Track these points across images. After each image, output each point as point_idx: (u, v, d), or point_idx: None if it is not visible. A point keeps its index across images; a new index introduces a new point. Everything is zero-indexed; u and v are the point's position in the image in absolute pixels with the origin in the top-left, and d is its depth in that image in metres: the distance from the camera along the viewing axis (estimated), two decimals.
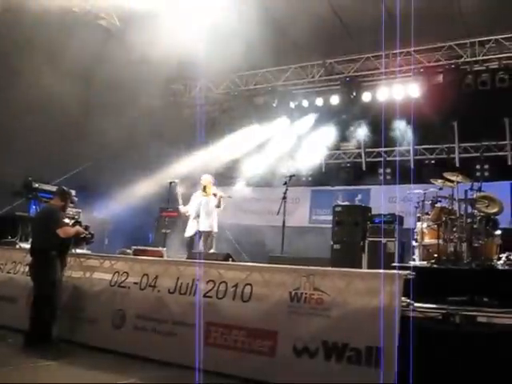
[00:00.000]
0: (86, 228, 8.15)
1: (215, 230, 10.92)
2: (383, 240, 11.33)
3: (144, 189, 13.54)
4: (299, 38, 13.64)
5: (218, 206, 10.81)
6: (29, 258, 7.65)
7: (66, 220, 8.49)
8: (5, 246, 9.93)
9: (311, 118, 15.95)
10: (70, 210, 12.62)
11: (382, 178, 15.56)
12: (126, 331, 7.07)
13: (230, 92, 16.83)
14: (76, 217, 11.73)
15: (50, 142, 12.26)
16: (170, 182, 11.30)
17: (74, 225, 8.04)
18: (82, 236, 7.91)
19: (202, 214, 10.90)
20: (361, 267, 10.63)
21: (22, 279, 8.34)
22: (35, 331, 7.08)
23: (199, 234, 10.91)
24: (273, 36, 13.51)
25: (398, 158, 15.39)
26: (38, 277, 7.37)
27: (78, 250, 9.25)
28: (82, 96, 13.04)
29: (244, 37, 12.67)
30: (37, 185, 12.00)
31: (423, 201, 10.28)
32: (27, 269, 8.01)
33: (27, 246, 9.72)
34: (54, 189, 12.48)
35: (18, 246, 10.20)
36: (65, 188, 8.00)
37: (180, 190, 11.24)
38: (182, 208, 11.29)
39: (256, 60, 15.29)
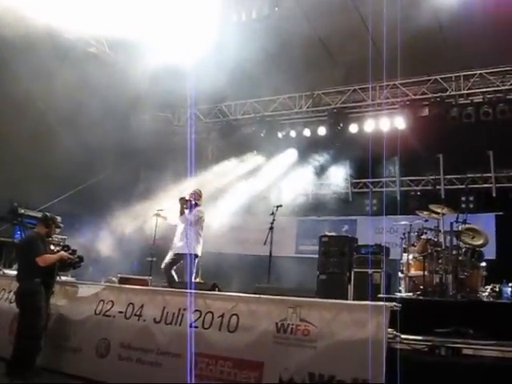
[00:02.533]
0: (73, 252, 7.98)
1: (194, 252, 9.65)
2: (370, 271, 11.34)
3: (130, 217, 13.49)
4: (287, 69, 13.84)
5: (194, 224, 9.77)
6: (15, 285, 7.55)
7: (52, 246, 8.44)
8: None
9: (298, 148, 16.07)
10: (56, 237, 12.58)
11: (368, 208, 15.65)
12: (110, 361, 6.98)
13: (217, 121, 16.95)
14: (61, 243, 11.67)
15: (36, 167, 12.24)
16: (156, 212, 11.01)
17: (62, 250, 7.94)
18: (68, 261, 7.80)
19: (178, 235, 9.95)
20: (347, 298, 10.62)
21: (5, 306, 8.24)
22: (17, 360, 6.96)
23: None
24: (261, 66, 13.71)
25: (384, 189, 15.51)
26: (22, 304, 7.28)
27: (63, 278, 9.18)
28: (69, 121, 13.04)
29: (232, 67, 12.84)
30: (22, 211, 11.93)
31: (409, 232, 10.36)
32: (11, 296, 7.93)
33: (11, 272, 9.64)
34: (40, 215, 12.49)
35: (1, 272, 10.08)
36: (48, 214, 7.92)
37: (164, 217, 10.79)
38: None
39: (244, 90, 15.49)
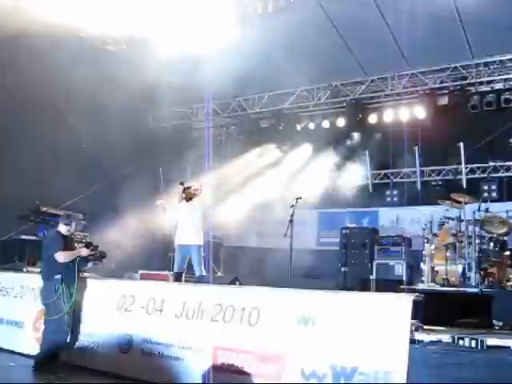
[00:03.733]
0: (95, 248, 8.03)
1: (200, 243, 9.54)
2: (391, 262, 11.28)
3: (150, 213, 13.54)
4: (305, 61, 13.78)
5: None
6: (39, 282, 7.66)
7: (76, 244, 8.52)
8: (12, 270, 9.94)
9: (318, 140, 16.00)
10: (78, 234, 12.70)
11: (389, 199, 15.52)
12: (132, 355, 7.02)
13: (236, 115, 16.94)
14: (83, 240, 11.77)
15: (57, 165, 12.36)
16: (160, 204, 10.85)
17: (84, 247, 8.02)
18: (90, 255, 7.87)
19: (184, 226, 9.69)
20: (369, 290, 10.57)
21: (30, 303, 8.33)
22: (44, 355, 7.10)
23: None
24: (279, 59, 13.67)
25: (405, 180, 15.37)
26: (45, 301, 7.40)
27: (85, 274, 9.27)
28: (89, 119, 13.14)
29: (250, 60, 12.81)
30: (45, 209, 12.06)
31: (431, 222, 10.24)
32: (36, 292, 8.07)
33: (35, 269, 9.77)
34: (62, 213, 12.61)
35: (25, 270, 10.21)
36: (68, 213, 8.14)
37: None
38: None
39: (262, 83, 15.46)
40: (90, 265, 8.01)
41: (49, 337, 7.17)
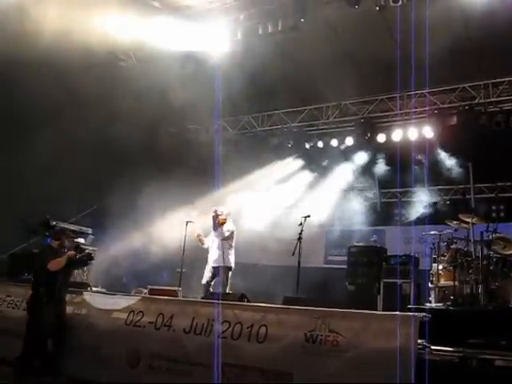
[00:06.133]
0: (82, 251, 8.43)
1: (228, 264, 10.57)
2: (399, 281, 11.26)
3: (161, 228, 13.60)
4: (314, 80, 13.90)
5: (226, 238, 10.61)
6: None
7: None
8: (20, 284, 10.00)
9: (326, 158, 16.10)
10: (87, 248, 12.77)
11: (397, 218, 15.54)
12: (140, 370, 7.07)
13: (245, 132, 17.06)
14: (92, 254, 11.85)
15: (68, 179, 12.47)
16: (187, 222, 11.30)
17: (74, 249, 8.34)
18: (78, 258, 8.18)
19: (213, 249, 10.72)
20: (376, 309, 10.54)
21: (20, 314, 8.55)
22: (22, 361, 7.46)
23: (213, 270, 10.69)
24: (289, 78, 13.80)
25: (413, 199, 15.39)
26: (28, 311, 7.93)
27: (94, 288, 9.36)
28: (98, 134, 13.26)
29: (260, 79, 12.95)
30: (54, 222, 12.15)
31: (439, 242, 10.24)
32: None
33: None
34: (72, 227, 12.71)
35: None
36: (58, 227, 9.27)
37: (197, 230, 11.18)
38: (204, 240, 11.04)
39: (271, 101, 15.60)
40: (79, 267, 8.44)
41: (28, 344, 7.53)
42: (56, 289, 7.80)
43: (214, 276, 10.55)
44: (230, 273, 10.59)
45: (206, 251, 10.83)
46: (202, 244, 10.93)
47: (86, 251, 8.53)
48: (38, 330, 7.61)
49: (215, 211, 10.62)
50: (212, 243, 10.75)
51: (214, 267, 10.57)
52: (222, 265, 10.44)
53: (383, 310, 9.49)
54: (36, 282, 7.96)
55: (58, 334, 7.78)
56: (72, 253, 8.15)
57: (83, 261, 8.48)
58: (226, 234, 10.58)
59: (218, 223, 10.57)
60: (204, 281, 10.57)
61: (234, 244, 10.76)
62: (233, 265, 10.63)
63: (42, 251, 8.42)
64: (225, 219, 10.72)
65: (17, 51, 10.74)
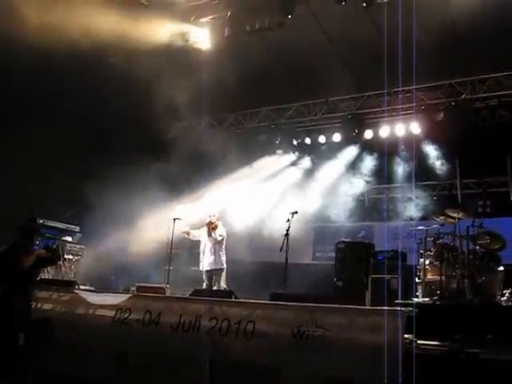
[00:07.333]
0: (50, 251, 8.64)
1: (221, 266, 11.11)
2: (386, 277, 11.30)
3: (148, 226, 13.56)
4: (301, 77, 13.90)
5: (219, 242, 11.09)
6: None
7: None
8: None
9: (314, 154, 16.13)
10: (74, 246, 12.73)
11: (384, 214, 15.58)
12: (128, 368, 7.05)
13: (233, 129, 17.03)
14: (80, 253, 11.77)
15: (55, 177, 12.39)
16: (174, 219, 11.35)
17: (44, 249, 8.56)
18: (44, 258, 8.21)
19: (206, 253, 11.14)
20: (364, 304, 10.53)
21: None
22: None
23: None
24: (276, 74, 13.78)
25: (400, 195, 15.43)
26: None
27: (82, 286, 9.33)
28: (84, 131, 13.20)
29: (248, 76, 12.92)
30: (41, 221, 12.08)
31: (425, 237, 10.29)
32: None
33: None
34: (59, 225, 12.65)
35: None
36: (27, 225, 8.93)
37: (185, 228, 11.32)
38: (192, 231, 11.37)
39: (259, 98, 15.57)
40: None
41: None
42: (24, 285, 7.82)
43: (211, 279, 11.00)
44: (224, 273, 11.07)
45: (194, 249, 11.11)
46: (188, 235, 11.29)
47: (55, 253, 8.73)
48: (7, 325, 7.51)
49: (210, 220, 11.07)
50: (205, 247, 11.18)
51: (209, 271, 11.04)
52: (216, 267, 10.98)
53: (371, 306, 9.52)
54: (4, 278, 7.88)
55: (31, 328, 7.75)
56: (41, 251, 8.26)
57: (50, 260, 8.71)
58: (219, 238, 11.06)
59: (211, 229, 11.04)
60: (205, 287, 10.96)
61: (224, 245, 11.23)
62: (225, 265, 11.15)
63: (10, 247, 8.28)
64: (216, 224, 11.16)
65: None
